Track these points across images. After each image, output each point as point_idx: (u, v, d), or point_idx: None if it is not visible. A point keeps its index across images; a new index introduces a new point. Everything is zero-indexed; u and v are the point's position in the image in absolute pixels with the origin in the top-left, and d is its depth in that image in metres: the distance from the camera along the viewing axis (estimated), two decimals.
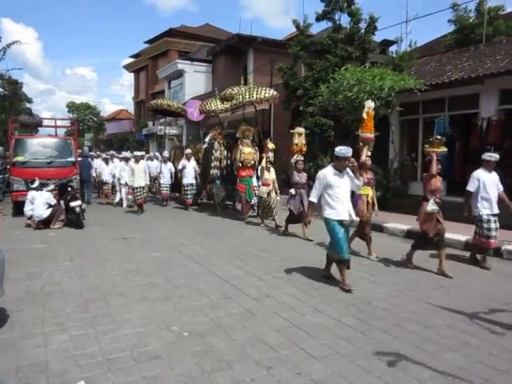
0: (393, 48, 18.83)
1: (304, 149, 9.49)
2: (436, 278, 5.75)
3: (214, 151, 11.97)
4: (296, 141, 9.39)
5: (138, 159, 11.92)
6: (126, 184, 12.86)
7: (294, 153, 9.19)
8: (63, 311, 4.45)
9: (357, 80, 10.70)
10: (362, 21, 14.66)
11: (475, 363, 3.40)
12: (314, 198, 5.39)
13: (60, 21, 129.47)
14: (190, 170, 12.72)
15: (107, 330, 3.96)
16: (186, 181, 12.70)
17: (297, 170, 8.52)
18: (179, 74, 26.47)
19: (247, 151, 10.87)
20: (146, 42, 35.55)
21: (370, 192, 6.91)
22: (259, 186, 10.26)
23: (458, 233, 7.74)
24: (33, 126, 14.14)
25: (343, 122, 11.90)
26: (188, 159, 12.78)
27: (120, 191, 13.88)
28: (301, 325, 4.11)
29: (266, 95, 10.92)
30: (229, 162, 11.97)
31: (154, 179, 15.09)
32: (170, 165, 13.91)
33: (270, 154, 10.25)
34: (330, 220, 5.32)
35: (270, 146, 10.34)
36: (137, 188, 11.67)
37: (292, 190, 8.40)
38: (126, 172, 12.52)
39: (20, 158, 11.87)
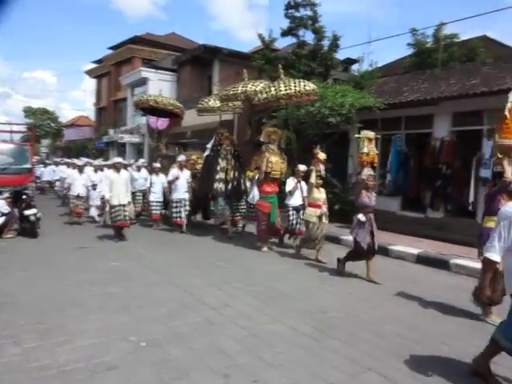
0: (355, 67, 19.54)
1: (376, 159, 7.41)
2: (388, 289, 5.96)
3: (220, 160, 9.65)
4: (365, 149, 7.24)
5: (118, 168, 9.01)
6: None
7: (364, 165, 7.19)
8: (16, 323, 4.30)
9: (319, 95, 11.02)
10: (326, 38, 15.23)
11: (422, 370, 3.57)
12: (497, 255, 3.32)
13: (18, 21, 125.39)
14: (184, 183, 10.17)
15: (62, 342, 3.87)
16: (177, 195, 10.09)
17: (366, 188, 6.44)
18: (143, 81, 26.22)
19: (275, 160, 8.66)
20: (109, 48, 35.07)
21: None
22: (291, 207, 8.36)
23: (411, 246, 8.08)
24: None
25: (305, 136, 12.17)
26: (181, 168, 10.26)
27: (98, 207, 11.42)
28: (258, 334, 4.18)
29: (307, 88, 8.38)
30: (236, 174, 9.74)
31: (144, 194, 12.04)
32: (162, 178, 10.84)
33: (322, 167, 8.24)
34: None
35: (322, 156, 8.21)
36: (117, 206, 8.84)
37: (360, 216, 6.30)
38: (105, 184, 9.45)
39: None
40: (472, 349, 3.99)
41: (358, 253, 6.41)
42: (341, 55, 16.58)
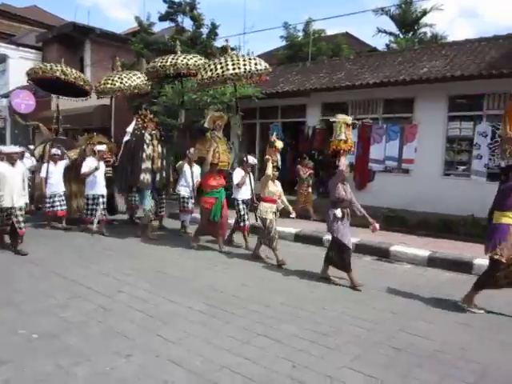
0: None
1: (353, 147, 6.27)
2: (273, 264, 6.49)
3: (145, 146, 8.22)
4: (343, 135, 5.98)
5: (15, 159, 6.96)
6: None
7: (341, 153, 5.98)
8: None
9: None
10: (204, 26, 15.44)
11: (304, 330, 4.09)
12: None
13: None
14: (101, 176, 8.65)
15: None
16: (94, 191, 8.56)
17: (343, 180, 5.74)
18: (2, 58, 23.49)
19: (221, 150, 7.68)
20: None
21: None
22: (240, 200, 7.52)
23: (290, 227, 8.80)
24: None
25: (188, 123, 12.27)
26: (100, 159, 8.65)
27: None
28: (155, 315, 4.33)
29: (258, 67, 7.18)
30: (164, 163, 8.51)
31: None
32: (61, 166, 9.01)
33: (278, 157, 7.47)
34: None
35: (279, 144, 7.27)
36: (12, 209, 6.84)
37: (338, 211, 5.57)
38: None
39: None
40: (344, 309, 4.69)
41: (342, 253, 5.60)
42: (218, 43, 16.97)
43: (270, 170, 6.66)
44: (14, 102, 19.45)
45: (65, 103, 13.08)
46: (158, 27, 17.61)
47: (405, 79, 9.58)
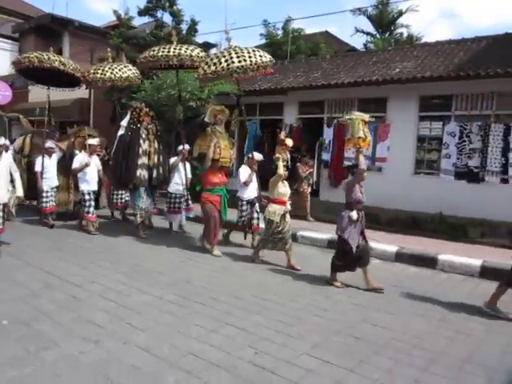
0: (213, 51, 20.09)
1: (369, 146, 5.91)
2: (248, 260, 6.59)
3: (141, 141, 7.93)
4: (361, 133, 5.60)
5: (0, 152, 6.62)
6: None
7: (359, 152, 5.59)
8: None
9: (179, 79, 11.23)
10: (184, 22, 15.46)
11: (270, 320, 4.26)
12: None
13: None
14: (94, 171, 8.36)
15: None
16: (86, 187, 8.23)
17: (360, 180, 5.47)
18: None
19: (223, 145, 7.39)
20: None
21: None
22: (244, 200, 7.26)
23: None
24: None
25: (166, 118, 12.30)
26: (91, 153, 8.38)
27: None
28: (127, 304, 4.45)
29: (264, 59, 6.91)
30: (160, 159, 8.20)
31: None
32: (55, 159, 8.83)
33: (288, 155, 7.11)
34: None
35: (289, 142, 6.86)
36: None
37: (354, 213, 5.34)
38: None
39: None
40: (310, 301, 4.88)
41: (347, 258, 5.44)
42: (199, 39, 17.00)
43: (281, 170, 6.31)
44: None
45: (41, 96, 12.94)
46: (139, 22, 17.57)
47: (378, 79, 9.83)
